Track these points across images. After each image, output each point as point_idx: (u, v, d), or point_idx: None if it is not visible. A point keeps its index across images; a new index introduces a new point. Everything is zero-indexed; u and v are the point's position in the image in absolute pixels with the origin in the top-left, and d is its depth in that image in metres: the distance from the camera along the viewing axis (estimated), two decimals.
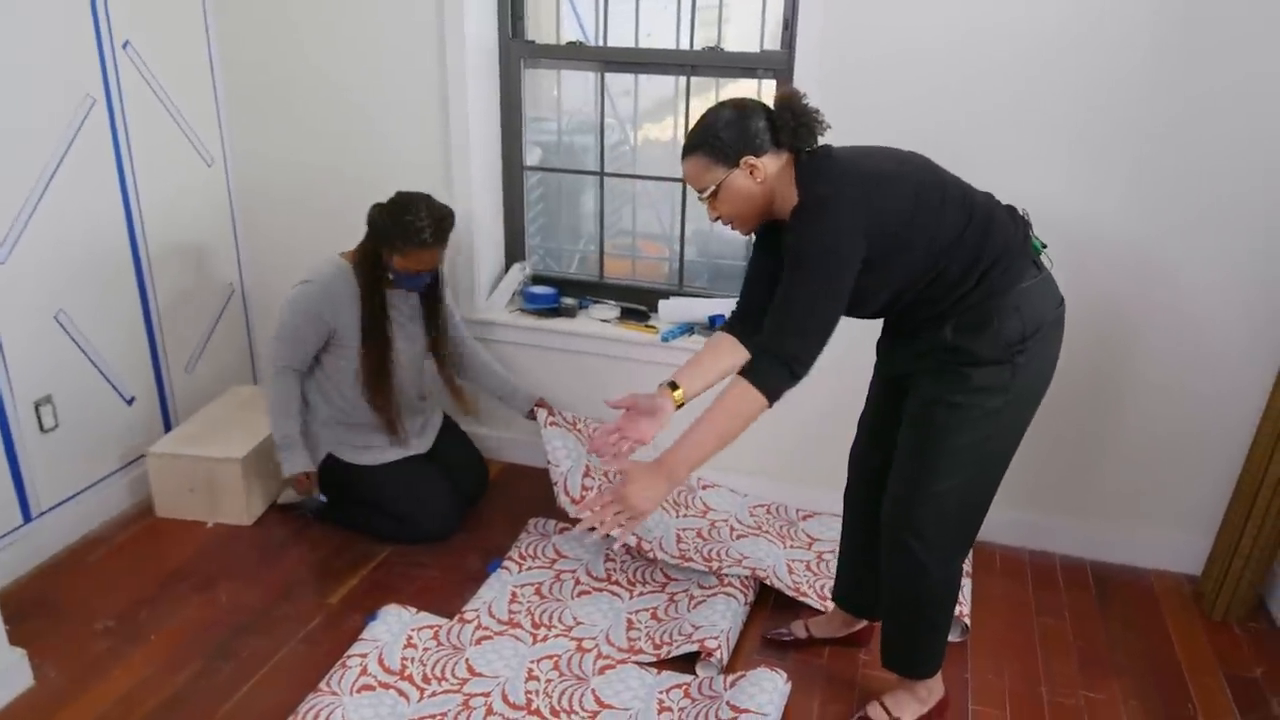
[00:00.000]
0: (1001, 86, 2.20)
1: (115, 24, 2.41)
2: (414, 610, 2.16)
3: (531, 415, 2.58)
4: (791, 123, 1.58)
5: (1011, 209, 1.69)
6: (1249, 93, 2.07)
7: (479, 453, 2.77)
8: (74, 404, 2.43)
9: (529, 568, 2.39)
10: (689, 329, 2.68)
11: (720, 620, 2.10)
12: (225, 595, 2.28)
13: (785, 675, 1.94)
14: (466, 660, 2.04)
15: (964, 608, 2.21)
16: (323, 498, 2.49)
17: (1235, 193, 2.14)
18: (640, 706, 1.92)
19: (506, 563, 2.40)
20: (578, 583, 2.34)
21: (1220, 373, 2.29)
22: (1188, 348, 2.29)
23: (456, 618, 2.18)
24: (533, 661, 2.05)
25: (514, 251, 2.91)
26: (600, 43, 2.72)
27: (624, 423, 1.72)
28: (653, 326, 2.71)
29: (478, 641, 2.10)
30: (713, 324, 2.65)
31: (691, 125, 1.64)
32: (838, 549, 2.09)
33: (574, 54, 2.70)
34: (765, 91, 2.58)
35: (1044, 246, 1.70)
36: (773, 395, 1.55)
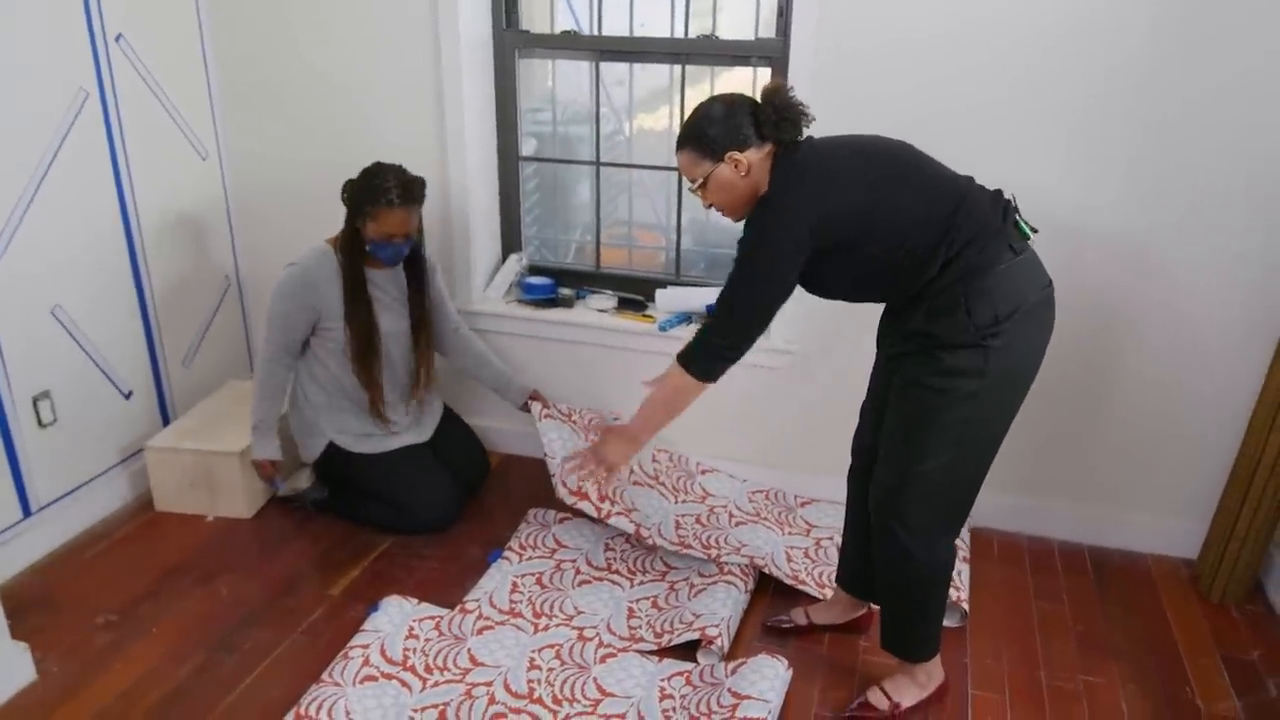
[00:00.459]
0: (998, 76, 2.20)
1: (108, 17, 2.40)
2: (415, 601, 2.17)
3: (526, 408, 2.59)
4: (774, 117, 1.67)
5: (996, 193, 1.69)
6: (1247, 86, 2.07)
7: (480, 443, 2.77)
8: (72, 399, 2.43)
9: (529, 558, 2.40)
10: (686, 318, 2.68)
11: (721, 608, 2.11)
12: (226, 588, 2.28)
13: (786, 662, 1.95)
14: (468, 650, 2.05)
15: (962, 593, 2.22)
16: (280, 484, 2.50)
17: (1234, 183, 2.14)
18: (642, 694, 1.93)
19: (507, 553, 2.41)
20: (578, 572, 2.35)
21: (1215, 358, 2.30)
22: (1183, 335, 2.30)
23: (458, 608, 2.18)
24: (534, 651, 2.06)
25: (510, 242, 2.91)
26: (594, 32, 2.71)
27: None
28: (650, 316, 2.71)
29: (479, 631, 2.11)
30: (710, 313, 2.64)
31: (686, 117, 1.74)
32: (841, 532, 2.10)
33: (568, 43, 2.70)
34: (760, 80, 2.57)
35: (1034, 231, 1.70)
36: (707, 378, 1.76)
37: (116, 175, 2.50)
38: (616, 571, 2.36)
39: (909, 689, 1.91)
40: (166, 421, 2.76)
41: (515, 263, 2.84)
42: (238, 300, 3.03)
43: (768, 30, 2.49)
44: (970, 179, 1.71)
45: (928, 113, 2.23)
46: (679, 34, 2.62)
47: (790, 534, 2.50)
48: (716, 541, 2.40)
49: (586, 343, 2.74)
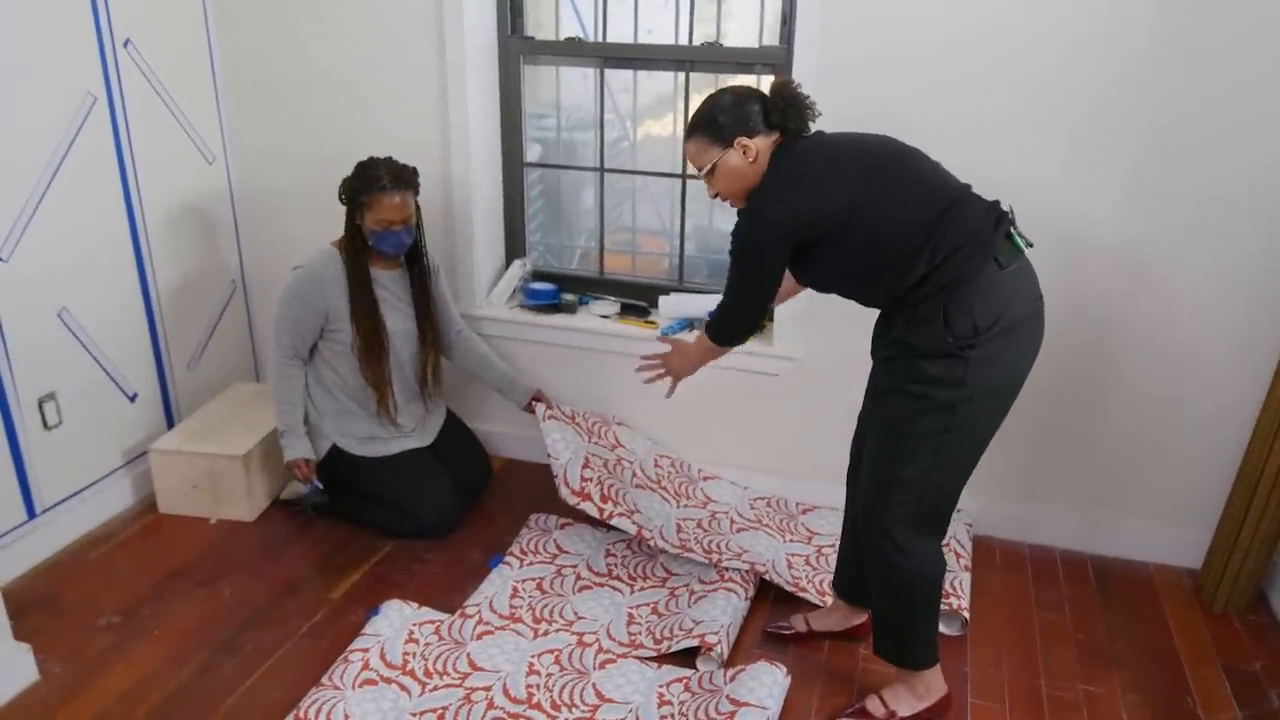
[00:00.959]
0: (1000, 83, 2.20)
1: (116, 22, 2.42)
2: (416, 605, 2.18)
3: (530, 408, 2.60)
4: (781, 104, 1.72)
5: (992, 204, 1.69)
6: (1248, 94, 2.07)
7: (482, 448, 2.78)
8: (77, 401, 2.45)
9: (530, 563, 2.40)
10: (688, 324, 2.68)
11: (720, 615, 2.11)
12: (228, 591, 2.29)
13: (785, 669, 1.95)
14: (468, 655, 2.05)
15: (963, 601, 2.22)
16: (319, 484, 2.50)
17: (1236, 190, 2.14)
18: (640, 700, 1.93)
19: (508, 558, 2.41)
20: (579, 578, 2.35)
21: (1218, 367, 2.29)
22: (1186, 343, 2.29)
23: (458, 613, 2.19)
24: (534, 656, 2.06)
25: (514, 248, 2.92)
26: (599, 39, 2.72)
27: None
28: (652, 322, 2.71)
29: (479, 636, 2.11)
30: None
31: (693, 111, 1.78)
32: (839, 539, 2.10)
33: (573, 50, 2.71)
34: (764, 87, 2.57)
35: (1029, 245, 1.69)
36: (730, 345, 1.92)
37: (123, 179, 2.52)
38: (617, 577, 2.36)
39: (907, 699, 1.90)
40: (171, 424, 2.77)
41: (519, 268, 2.85)
42: (243, 303, 3.04)
43: (772, 38, 2.50)
44: (967, 187, 1.71)
45: (930, 119, 2.23)
46: (684, 41, 2.62)
47: (791, 541, 2.50)
48: (717, 546, 2.40)
49: (589, 348, 2.75)
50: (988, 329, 1.61)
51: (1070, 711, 1.97)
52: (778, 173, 1.71)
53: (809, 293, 2.49)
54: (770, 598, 2.29)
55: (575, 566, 2.40)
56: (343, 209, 2.41)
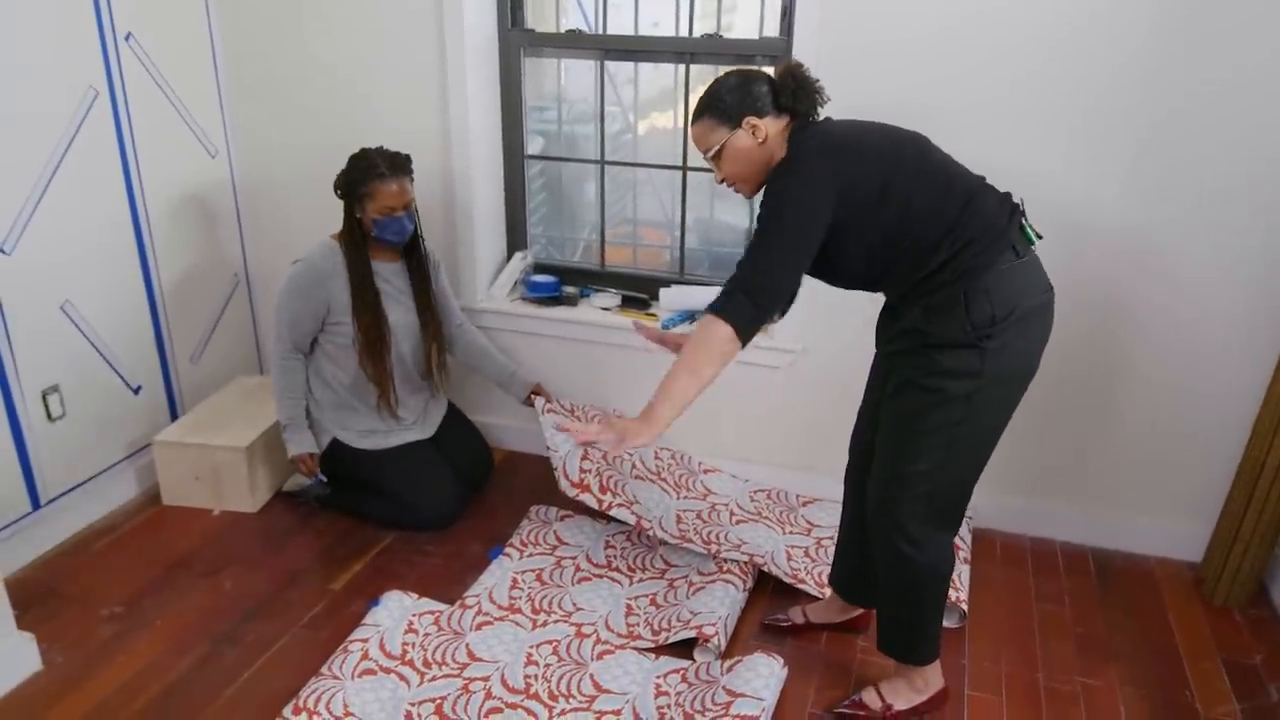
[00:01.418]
0: (999, 75, 2.19)
1: (117, 16, 2.43)
2: (415, 596, 2.19)
3: (529, 402, 2.61)
4: (792, 85, 1.68)
5: (1005, 195, 1.69)
6: (1248, 85, 2.05)
7: (483, 440, 2.79)
8: (81, 393, 2.46)
9: (530, 554, 2.41)
10: (689, 316, 2.68)
11: (718, 606, 2.11)
12: (230, 582, 2.31)
13: (782, 660, 1.95)
14: (467, 645, 2.06)
15: (962, 594, 2.22)
16: (323, 477, 2.51)
17: (1236, 182, 2.13)
18: (638, 691, 1.94)
19: (508, 549, 2.42)
20: (578, 569, 2.36)
21: (1220, 360, 2.28)
22: (1187, 336, 2.28)
23: (457, 603, 2.20)
24: (532, 646, 2.07)
25: (516, 240, 2.92)
26: (600, 30, 2.72)
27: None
28: (653, 314, 2.72)
29: (478, 627, 2.12)
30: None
31: (700, 95, 1.73)
32: (837, 534, 2.09)
33: (573, 42, 2.71)
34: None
35: (1039, 237, 1.69)
36: (741, 330, 1.59)
37: (126, 173, 2.53)
38: (616, 569, 2.37)
39: (904, 692, 1.90)
40: (175, 416, 2.79)
41: (520, 261, 2.86)
42: (246, 297, 3.06)
43: (773, 30, 2.49)
44: (982, 179, 1.70)
45: (929, 110, 2.20)
46: (684, 33, 2.62)
47: (791, 533, 2.50)
48: (717, 538, 2.41)
49: (590, 341, 2.75)
50: (1005, 318, 1.60)
51: (1067, 704, 1.97)
52: (805, 147, 1.64)
53: (809, 283, 2.50)
54: (769, 589, 2.29)
55: (575, 558, 2.40)
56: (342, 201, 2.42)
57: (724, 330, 1.59)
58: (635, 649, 2.07)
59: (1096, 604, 2.30)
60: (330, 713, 1.83)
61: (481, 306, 2.81)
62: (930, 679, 1.90)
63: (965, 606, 2.20)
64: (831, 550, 2.39)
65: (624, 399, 2.79)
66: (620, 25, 2.70)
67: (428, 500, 2.50)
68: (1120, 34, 2.09)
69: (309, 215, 2.75)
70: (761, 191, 1.73)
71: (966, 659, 2.09)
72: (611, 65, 2.76)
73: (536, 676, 1.98)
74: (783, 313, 1.83)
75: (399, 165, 2.39)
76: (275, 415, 2.54)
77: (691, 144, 1.82)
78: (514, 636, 2.10)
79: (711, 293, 2.62)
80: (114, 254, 2.54)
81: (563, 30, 2.74)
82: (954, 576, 2.22)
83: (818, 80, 1.71)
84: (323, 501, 2.60)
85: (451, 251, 2.78)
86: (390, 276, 2.50)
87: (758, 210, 1.64)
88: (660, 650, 2.06)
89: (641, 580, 2.32)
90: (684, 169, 2.72)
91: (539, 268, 2.92)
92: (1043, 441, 2.46)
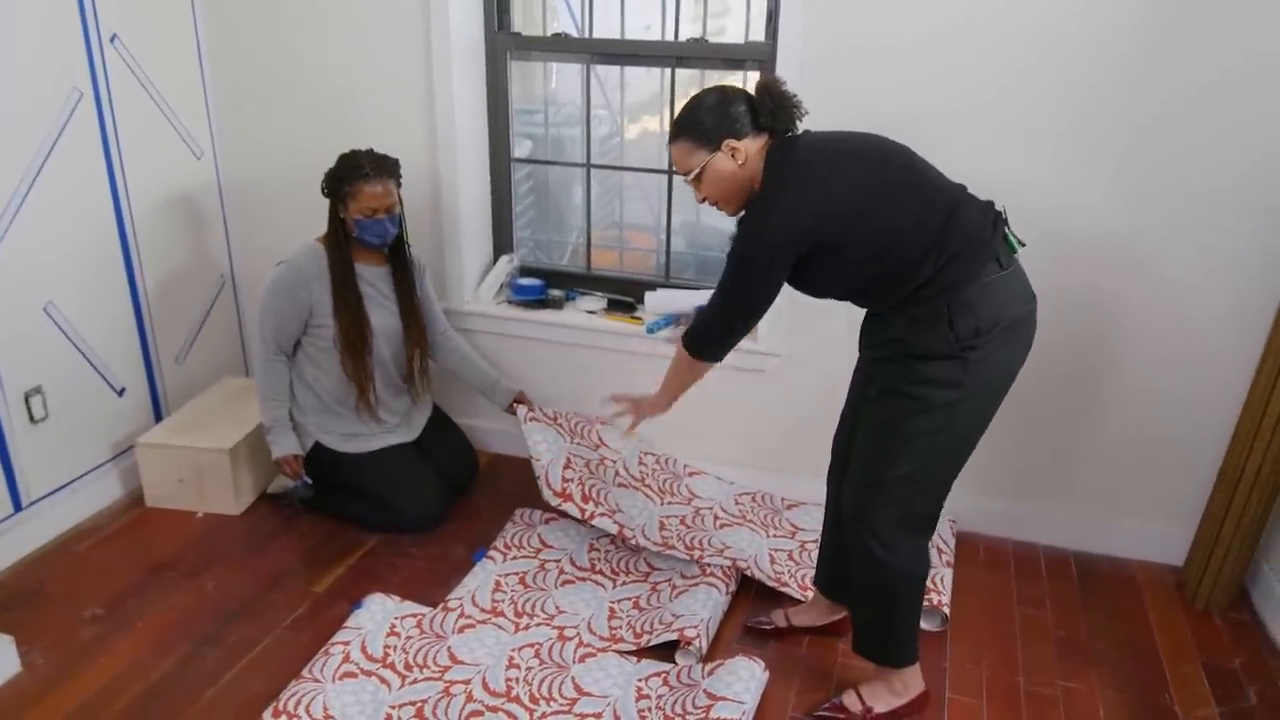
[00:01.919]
0: (983, 80, 2.20)
1: (102, 18, 2.43)
2: (398, 599, 2.19)
3: (511, 410, 2.61)
4: (770, 105, 1.67)
5: (987, 205, 1.69)
6: (1231, 89, 2.06)
7: (468, 443, 2.79)
8: (64, 395, 2.46)
9: (514, 557, 2.41)
10: (675, 320, 2.69)
11: (700, 609, 2.12)
12: (213, 584, 2.30)
13: (763, 664, 1.95)
14: (448, 648, 2.06)
15: (943, 597, 2.22)
16: (307, 479, 2.51)
17: (1219, 186, 2.14)
18: (619, 694, 1.94)
19: (491, 552, 2.42)
20: (561, 572, 2.36)
21: (1202, 365, 2.29)
22: (1170, 340, 2.29)
23: (440, 606, 2.20)
24: (514, 650, 2.07)
25: (502, 243, 2.92)
26: (587, 34, 2.72)
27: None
28: (638, 318, 2.72)
29: (460, 630, 2.12)
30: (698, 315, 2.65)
31: (677, 113, 1.73)
32: (820, 534, 2.10)
33: (559, 46, 2.71)
34: (752, 83, 2.58)
35: (1021, 245, 1.69)
36: (709, 360, 1.82)
37: (110, 174, 2.53)
38: (600, 572, 2.37)
39: (884, 695, 1.91)
40: (159, 418, 2.78)
41: (506, 264, 2.86)
42: (232, 298, 3.05)
43: (759, 34, 2.50)
44: (963, 188, 1.70)
45: (913, 116, 2.22)
46: (670, 37, 2.62)
47: (775, 536, 2.50)
48: (700, 543, 2.41)
49: (575, 344, 2.75)
50: (989, 330, 1.61)
51: (1047, 707, 1.98)
52: (780, 177, 1.65)
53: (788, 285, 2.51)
54: (752, 593, 2.30)
55: (558, 561, 2.40)
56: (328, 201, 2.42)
57: (689, 359, 1.82)
58: (617, 652, 2.07)
59: (1078, 607, 2.30)
60: (310, 715, 1.83)
61: (467, 309, 2.81)
62: (910, 682, 1.91)
63: (947, 610, 2.20)
64: (815, 553, 2.39)
65: (608, 403, 2.78)
66: (608, 29, 2.71)
67: (411, 503, 2.50)
68: (1104, 40, 2.10)
69: (295, 217, 2.74)
70: (740, 211, 1.74)
71: (948, 662, 2.09)
72: (602, 69, 2.77)
73: (518, 679, 1.98)
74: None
75: (385, 168, 2.39)
76: (259, 417, 2.53)
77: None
78: (496, 639, 2.10)
79: (697, 296, 2.67)
80: (98, 255, 2.53)
81: (549, 34, 2.75)
82: (937, 580, 2.24)
83: (795, 95, 1.70)
84: (306, 504, 2.60)
85: (437, 254, 2.78)
86: (374, 280, 2.50)
87: (730, 243, 1.69)
88: (642, 653, 2.07)
89: (625, 583, 2.33)
90: (669, 173, 2.73)
91: (525, 271, 2.92)
92: (1026, 445, 2.47)
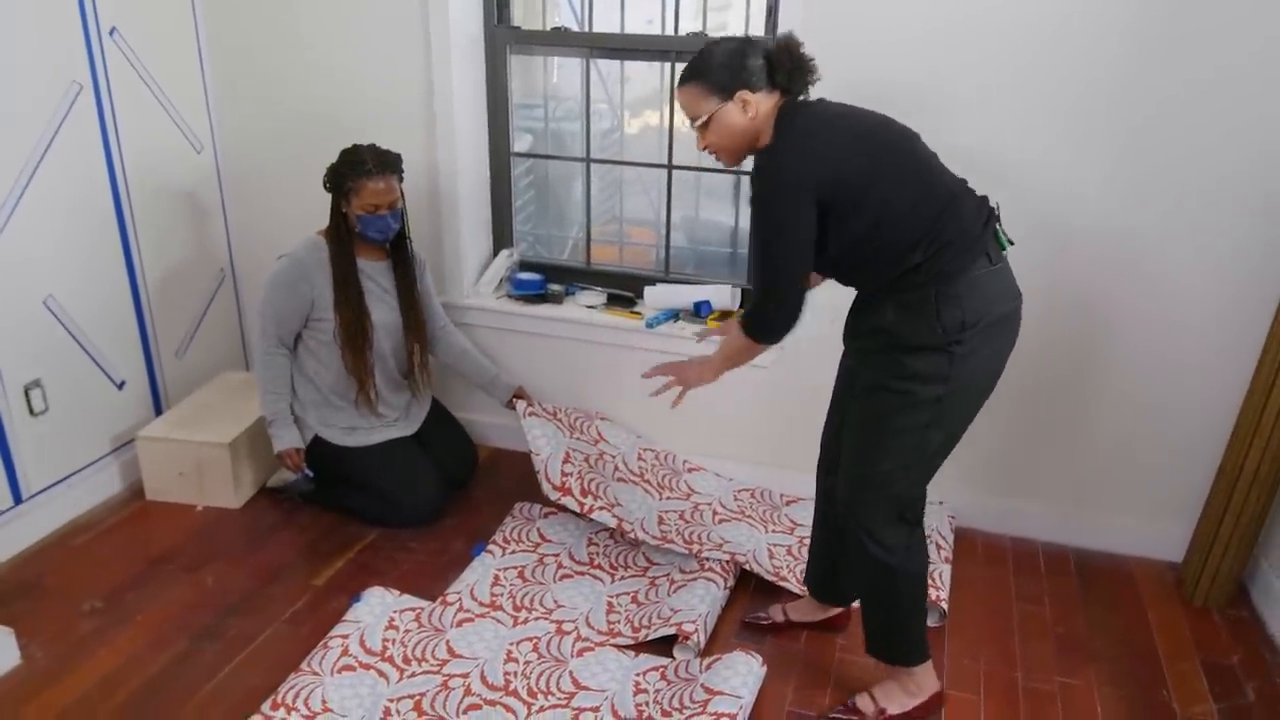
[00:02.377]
0: (981, 76, 2.20)
1: (102, 10, 2.42)
2: (397, 592, 2.19)
3: (511, 405, 2.61)
4: (789, 64, 1.64)
5: (982, 199, 1.69)
6: (1228, 87, 2.06)
7: (468, 437, 2.79)
8: (64, 388, 2.46)
9: (513, 551, 2.41)
10: (674, 315, 2.69)
11: (699, 604, 2.12)
12: (212, 577, 2.30)
13: (761, 659, 1.96)
14: (447, 642, 2.06)
15: (942, 593, 2.22)
16: (310, 473, 2.51)
17: (1216, 185, 2.13)
18: (617, 688, 1.94)
19: (490, 546, 2.42)
20: (560, 566, 2.36)
21: (1202, 363, 2.28)
22: (1169, 337, 2.29)
23: (439, 600, 2.20)
24: (512, 644, 2.07)
25: (501, 238, 2.92)
26: (587, 28, 2.72)
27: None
28: (638, 313, 2.72)
29: (459, 623, 2.12)
30: (698, 310, 2.66)
31: (693, 57, 1.70)
32: (810, 533, 2.10)
33: (559, 40, 2.71)
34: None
35: (1010, 243, 1.69)
36: (770, 341, 1.74)
37: (110, 167, 2.52)
38: (599, 566, 2.37)
39: (898, 696, 1.89)
40: (159, 412, 2.79)
41: (505, 258, 2.86)
42: (232, 292, 3.05)
43: (759, 28, 2.49)
44: (963, 182, 1.70)
45: (911, 110, 2.18)
46: (672, 32, 2.62)
47: (774, 531, 2.50)
48: (699, 538, 2.41)
49: (574, 339, 2.75)
50: (974, 324, 1.60)
51: (1045, 703, 1.98)
52: (793, 134, 1.61)
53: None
54: (750, 587, 2.30)
55: (557, 555, 2.41)
56: (329, 197, 2.42)
57: (748, 341, 1.75)
58: (615, 646, 2.07)
59: (1077, 604, 2.30)
60: (308, 709, 1.84)
61: (466, 304, 2.81)
62: (923, 683, 1.89)
63: (945, 606, 2.20)
64: None
65: (608, 396, 2.80)
66: (609, 23, 2.70)
67: (410, 497, 2.50)
68: (1105, 34, 2.09)
69: (295, 210, 2.74)
70: (741, 162, 1.71)
71: (946, 657, 2.09)
72: (602, 63, 2.76)
73: (516, 673, 1.98)
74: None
75: (387, 164, 2.39)
76: (260, 410, 2.53)
77: (678, 109, 1.78)
78: (494, 633, 2.10)
79: (696, 292, 2.67)
80: (98, 248, 2.53)
81: (549, 27, 2.74)
82: (936, 576, 2.24)
83: (812, 60, 1.67)
84: (307, 497, 2.60)
85: (437, 248, 2.78)
86: (375, 275, 2.50)
87: (749, 214, 1.64)
88: (640, 648, 2.07)
89: (623, 578, 2.33)
90: (669, 167, 2.72)
91: (525, 265, 2.91)
92: (1025, 442, 2.47)
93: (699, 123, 1.68)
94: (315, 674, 1.92)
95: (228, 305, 3.05)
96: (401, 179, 2.43)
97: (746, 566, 2.30)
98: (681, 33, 2.60)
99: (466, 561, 2.37)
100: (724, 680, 1.87)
